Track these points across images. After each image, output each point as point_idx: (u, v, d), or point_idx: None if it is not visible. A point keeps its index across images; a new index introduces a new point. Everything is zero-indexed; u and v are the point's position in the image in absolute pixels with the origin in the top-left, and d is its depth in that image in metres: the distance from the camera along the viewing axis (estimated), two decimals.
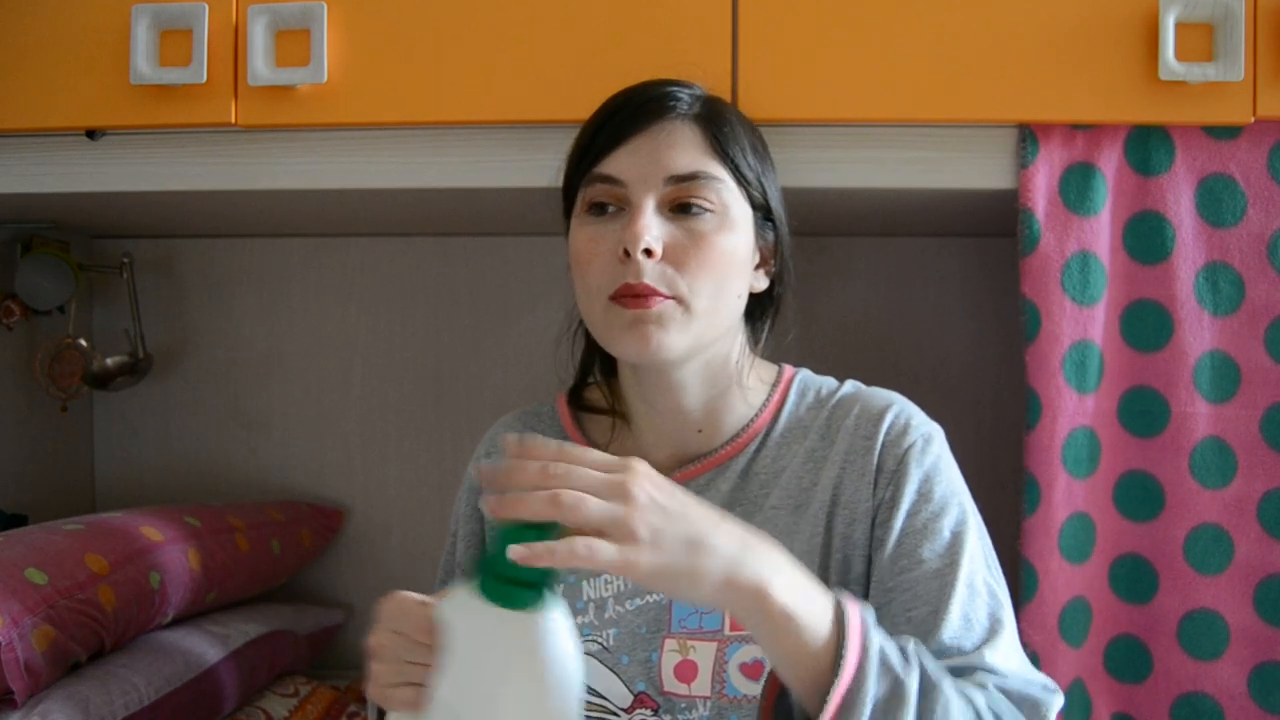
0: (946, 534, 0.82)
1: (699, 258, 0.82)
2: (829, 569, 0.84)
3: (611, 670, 0.85)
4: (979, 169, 1.02)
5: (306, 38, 1.01)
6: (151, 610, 1.04)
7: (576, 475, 0.64)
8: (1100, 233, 1.01)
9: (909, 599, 0.80)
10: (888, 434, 0.86)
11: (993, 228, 1.13)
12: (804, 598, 0.68)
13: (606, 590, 0.87)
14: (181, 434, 1.49)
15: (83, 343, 1.39)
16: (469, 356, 1.45)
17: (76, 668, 0.96)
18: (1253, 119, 0.99)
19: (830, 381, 0.93)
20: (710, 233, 0.83)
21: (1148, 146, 1.01)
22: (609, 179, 0.84)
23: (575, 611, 0.87)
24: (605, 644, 0.85)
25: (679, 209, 0.83)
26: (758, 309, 0.92)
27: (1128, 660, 1.05)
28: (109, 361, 1.40)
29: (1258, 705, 1.02)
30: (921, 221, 1.28)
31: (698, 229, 0.83)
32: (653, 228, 0.81)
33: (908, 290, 1.40)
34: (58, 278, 1.36)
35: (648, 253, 0.81)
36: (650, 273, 0.81)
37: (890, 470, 0.84)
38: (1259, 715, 1.02)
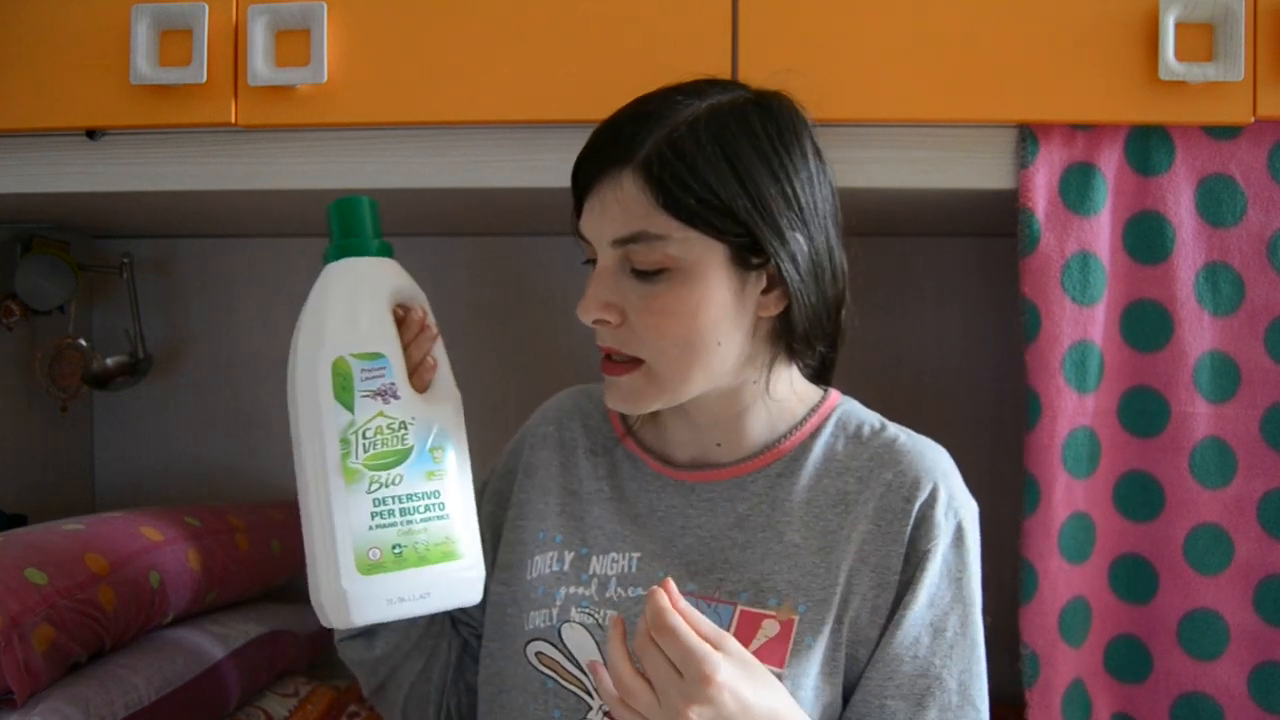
0: (951, 635, 0.83)
1: (653, 324, 0.81)
2: (843, 621, 0.83)
3: (599, 647, 0.85)
4: (979, 169, 1.02)
5: (306, 38, 1.01)
6: (152, 610, 1.04)
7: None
8: (1100, 233, 1.02)
9: (891, 687, 0.82)
10: (926, 506, 0.83)
11: (993, 228, 1.13)
12: None
13: (612, 569, 0.88)
14: (181, 434, 1.49)
15: (83, 343, 1.39)
16: (468, 356, 1.44)
17: (76, 668, 0.96)
18: (1253, 119, 0.99)
19: (874, 419, 0.91)
20: (662, 294, 0.80)
21: (1148, 146, 1.01)
22: (584, 237, 0.85)
23: (580, 583, 0.88)
24: (601, 622, 0.85)
25: (634, 267, 0.81)
26: (785, 330, 0.85)
27: (1128, 660, 1.05)
28: (109, 361, 1.40)
29: (1258, 705, 1.02)
30: (921, 221, 1.28)
31: (651, 291, 0.81)
32: (601, 296, 0.82)
33: (907, 290, 1.40)
34: (58, 278, 1.36)
35: (603, 321, 0.82)
36: (611, 338, 0.83)
37: (922, 550, 0.83)
38: (1259, 715, 1.02)
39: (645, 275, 0.81)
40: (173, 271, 1.49)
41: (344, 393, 0.80)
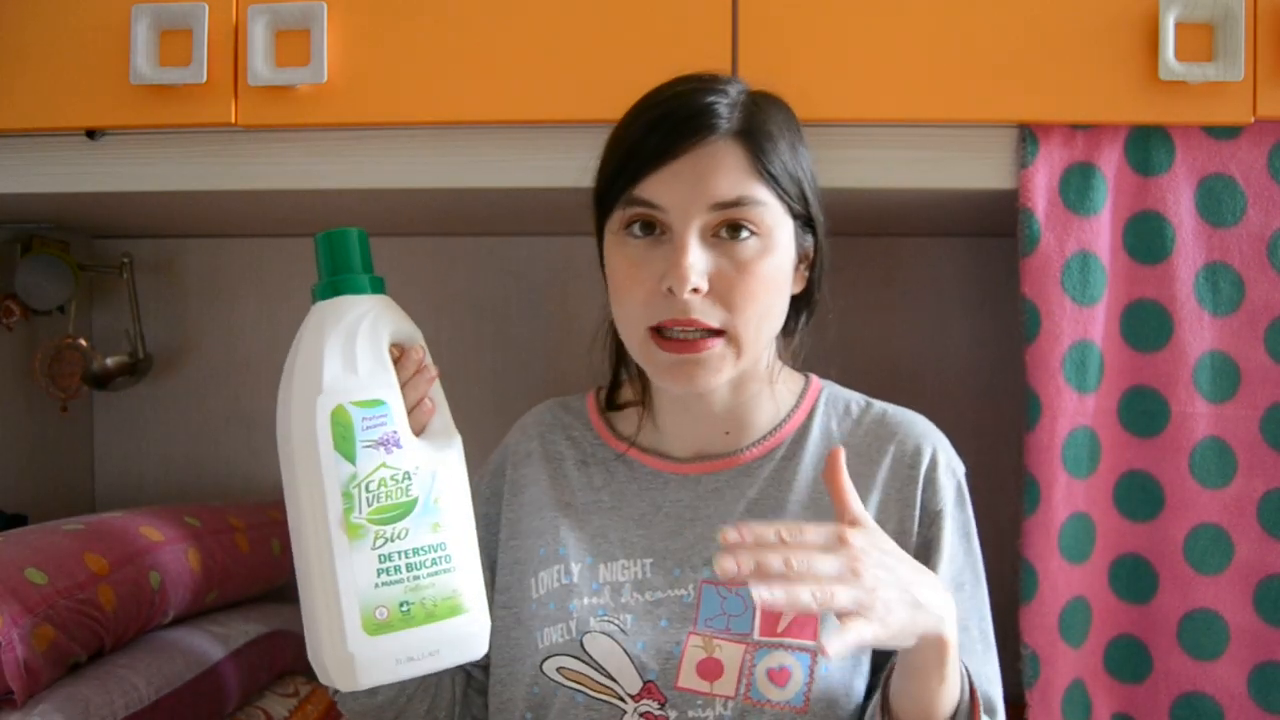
0: (970, 588, 0.88)
1: (745, 288, 0.81)
2: None
3: (625, 652, 0.85)
4: (979, 169, 1.02)
5: (306, 38, 1.01)
6: (151, 610, 1.04)
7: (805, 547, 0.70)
8: (1100, 233, 1.01)
9: None
10: (930, 470, 0.89)
11: (993, 228, 1.13)
12: (955, 657, 0.76)
13: (623, 575, 0.88)
14: (181, 434, 1.49)
15: (83, 343, 1.39)
16: (468, 357, 1.45)
17: (76, 668, 0.96)
18: (1253, 119, 0.99)
19: (857, 397, 0.95)
20: (754, 259, 0.82)
21: (1148, 146, 1.01)
22: (650, 204, 0.82)
23: (591, 592, 0.88)
24: (623, 627, 0.86)
25: (722, 233, 0.82)
26: (792, 310, 0.90)
27: (1128, 660, 1.05)
28: (109, 361, 1.40)
29: (1257, 705, 1.02)
30: (921, 221, 1.28)
31: (742, 257, 0.81)
32: (698, 264, 0.80)
33: (907, 290, 1.40)
34: (58, 278, 1.36)
35: (694, 290, 0.81)
36: (697, 308, 0.81)
37: (933, 511, 0.88)
38: (1259, 715, 1.02)
39: (737, 240, 0.82)
40: (173, 271, 1.49)
41: (344, 443, 0.76)
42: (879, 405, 0.94)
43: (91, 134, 1.07)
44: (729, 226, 0.81)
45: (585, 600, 0.88)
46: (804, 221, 0.86)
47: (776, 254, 0.83)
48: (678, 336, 0.82)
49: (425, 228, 1.40)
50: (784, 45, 1.00)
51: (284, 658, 1.23)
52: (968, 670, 0.79)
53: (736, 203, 0.81)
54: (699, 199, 0.81)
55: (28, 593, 0.90)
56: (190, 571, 1.10)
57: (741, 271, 0.81)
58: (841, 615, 0.69)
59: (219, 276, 1.48)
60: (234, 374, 1.48)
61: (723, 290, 0.81)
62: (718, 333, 0.82)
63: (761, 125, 0.83)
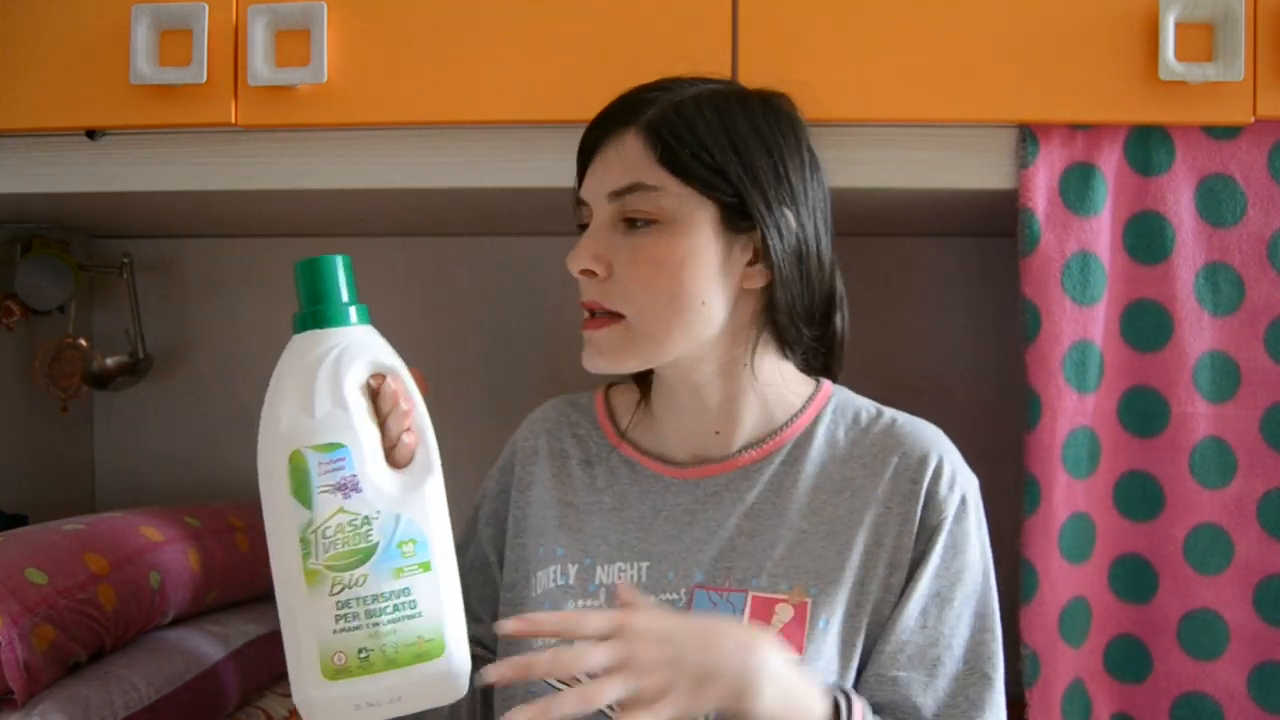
0: (958, 604, 0.85)
1: (637, 272, 0.83)
2: (863, 606, 0.84)
3: None
4: (979, 169, 1.02)
5: (306, 38, 1.01)
6: (151, 610, 1.04)
7: (574, 640, 0.73)
8: (1100, 233, 1.02)
9: (903, 659, 0.83)
10: (932, 483, 0.86)
11: (993, 228, 1.13)
12: (793, 707, 0.75)
13: (620, 579, 0.88)
14: (181, 434, 1.49)
15: (83, 343, 1.39)
16: (467, 357, 1.45)
17: (76, 668, 0.96)
18: (1253, 119, 0.99)
19: (870, 405, 0.92)
20: (650, 244, 0.83)
21: (1148, 146, 1.01)
22: (581, 201, 0.88)
23: (587, 595, 0.88)
24: None
25: (624, 223, 0.85)
26: (769, 310, 0.87)
27: (1128, 660, 1.05)
28: (109, 361, 1.40)
29: (1257, 705, 1.02)
30: (921, 221, 1.28)
31: (639, 242, 0.84)
32: (593, 247, 0.84)
33: (908, 290, 1.40)
34: (58, 278, 1.36)
35: (590, 273, 0.84)
36: (597, 291, 0.85)
37: (931, 525, 0.85)
38: (1259, 715, 1.02)
39: (637, 229, 0.84)
40: (173, 271, 1.49)
41: (301, 489, 0.74)
42: (889, 414, 0.91)
43: (91, 134, 1.07)
44: (625, 216, 0.84)
45: (581, 602, 0.87)
46: (738, 211, 0.83)
47: (683, 237, 0.83)
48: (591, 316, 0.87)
49: (425, 228, 1.40)
50: (784, 45, 1.00)
51: (284, 658, 1.23)
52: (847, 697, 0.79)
53: (627, 190, 0.83)
54: (600, 190, 0.85)
55: (28, 593, 0.90)
56: (190, 571, 1.10)
57: (635, 255, 0.84)
58: (620, 706, 0.70)
59: (219, 276, 1.48)
60: (234, 374, 1.48)
61: (621, 275, 0.84)
62: (617, 316, 0.85)
63: (674, 115, 0.83)
